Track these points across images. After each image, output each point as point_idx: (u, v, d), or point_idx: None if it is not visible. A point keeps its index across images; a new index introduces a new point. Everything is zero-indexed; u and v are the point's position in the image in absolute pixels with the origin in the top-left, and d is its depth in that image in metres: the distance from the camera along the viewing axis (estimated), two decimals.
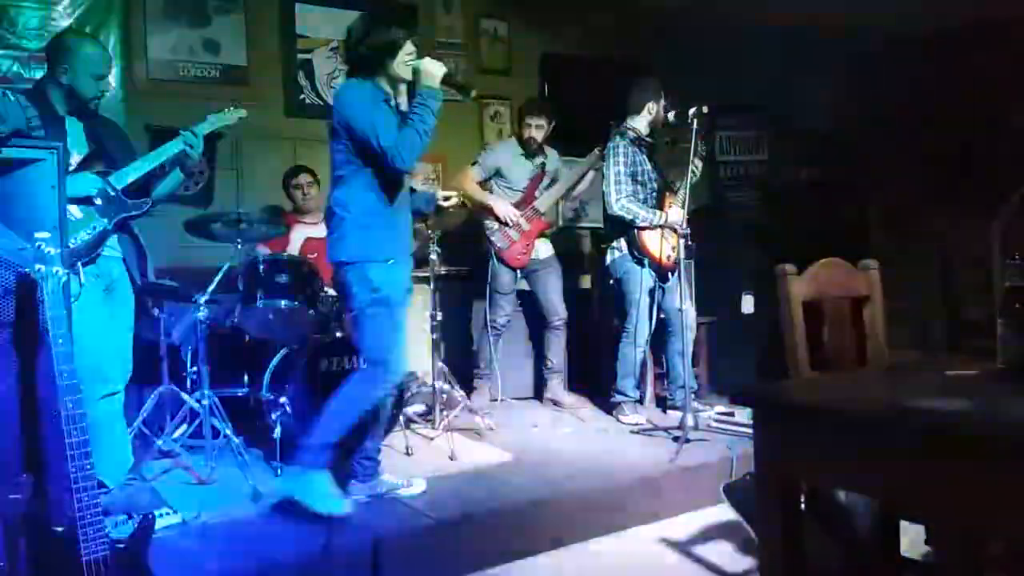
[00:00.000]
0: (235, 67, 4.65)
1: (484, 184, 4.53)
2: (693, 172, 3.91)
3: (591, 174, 4.61)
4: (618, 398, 4.29)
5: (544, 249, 4.62)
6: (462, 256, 4.76)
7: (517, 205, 4.48)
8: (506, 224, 4.45)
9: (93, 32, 3.96)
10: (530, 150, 4.53)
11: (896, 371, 2.20)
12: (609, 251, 4.30)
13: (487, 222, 4.48)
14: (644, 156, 4.27)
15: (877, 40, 4.88)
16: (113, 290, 2.90)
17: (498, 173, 4.53)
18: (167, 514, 2.78)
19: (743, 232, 5.41)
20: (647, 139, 4.30)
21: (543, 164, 4.58)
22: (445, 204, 3.36)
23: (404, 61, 2.82)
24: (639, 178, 4.21)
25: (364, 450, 3.03)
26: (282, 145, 4.75)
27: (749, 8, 4.94)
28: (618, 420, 4.24)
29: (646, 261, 4.16)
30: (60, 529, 1.93)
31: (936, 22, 4.65)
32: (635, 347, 4.21)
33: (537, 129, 4.48)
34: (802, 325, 2.22)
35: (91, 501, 1.93)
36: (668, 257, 4.14)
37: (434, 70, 2.80)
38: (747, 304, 5.05)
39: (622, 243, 4.24)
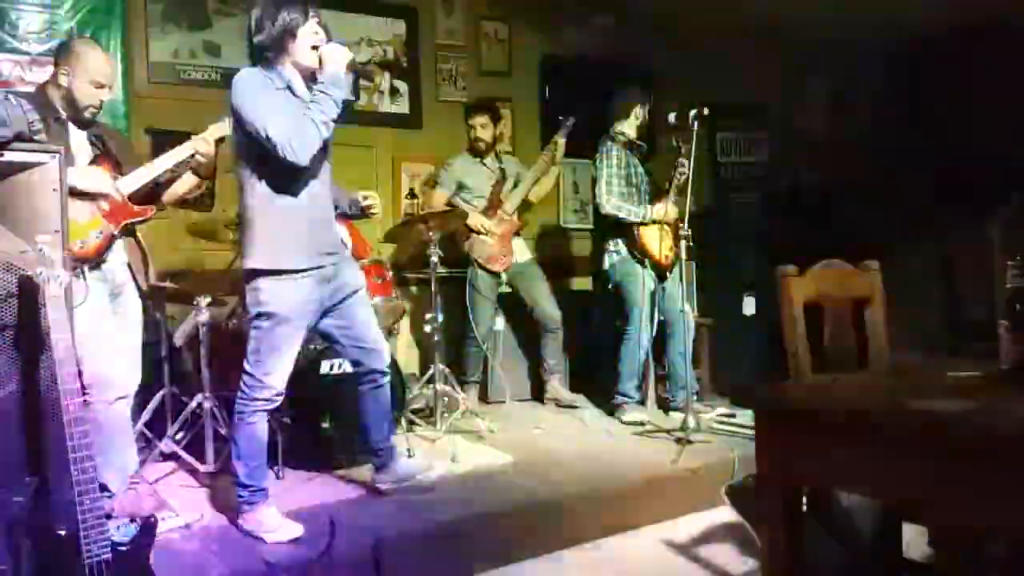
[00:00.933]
0: (236, 70, 4.61)
1: (451, 201, 4.55)
2: (686, 173, 3.93)
3: (554, 173, 4.62)
4: (620, 399, 4.29)
5: (522, 252, 4.66)
6: (463, 257, 4.76)
7: (485, 212, 4.53)
8: (479, 232, 4.48)
9: (94, 35, 3.96)
10: (481, 152, 4.55)
11: (897, 372, 2.20)
12: (607, 254, 4.30)
13: (461, 235, 4.51)
14: (636, 159, 4.31)
15: (878, 41, 4.88)
16: (120, 295, 2.89)
17: (461, 187, 4.56)
18: (169, 517, 2.79)
19: (744, 233, 5.41)
20: (638, 143, 4.32)
21: (503, 169, 4.63)
22: (364, 204, 3.02)
23: (309, 44, 2.59)
24: (632, 180, 4.22)
25: (371, 443, 3.04)
26: None
27: (750, 8, 4.95)
28: (620, 421, 4.24)
29: (647, 261, 4.17)
30: (63, 532, 1.93)
31: (937, 23, 4.66)
32: (637, 348, 4.21)
33: (483, 128, 4.51)
34: (803, 326, 2.22)
35: (93, 504, 1.93)
36: (666, 257, 4.16)
37: (338, 55, 2.57)
38: (748, 305, 5.06)
39: (620, 245, 4.24)
